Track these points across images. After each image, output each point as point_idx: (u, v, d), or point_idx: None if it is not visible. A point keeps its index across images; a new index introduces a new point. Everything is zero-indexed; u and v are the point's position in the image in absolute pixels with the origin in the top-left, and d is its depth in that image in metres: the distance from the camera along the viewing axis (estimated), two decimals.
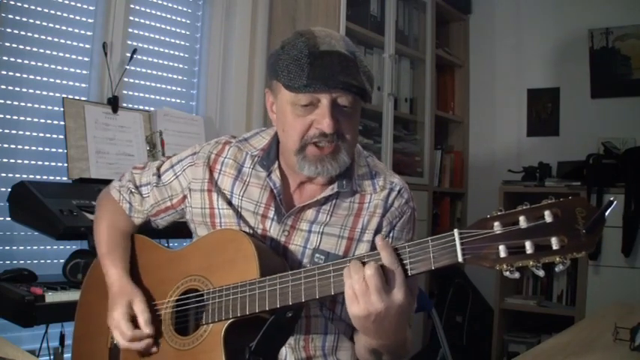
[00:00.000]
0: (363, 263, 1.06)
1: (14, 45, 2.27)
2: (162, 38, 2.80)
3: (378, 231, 1.33)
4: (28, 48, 2.30)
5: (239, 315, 1.19)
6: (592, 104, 3.84)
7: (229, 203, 1.38)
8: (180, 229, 1.51)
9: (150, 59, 2.74)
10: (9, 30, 2.25)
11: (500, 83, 4.22)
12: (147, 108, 2.58)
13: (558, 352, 1.50)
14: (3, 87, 2.24)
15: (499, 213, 0.99)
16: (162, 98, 2.79)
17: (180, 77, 2.90)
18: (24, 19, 2.29)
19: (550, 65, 4.02)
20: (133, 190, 1.47)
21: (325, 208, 1.34)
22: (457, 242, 1.00)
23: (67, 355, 2.05)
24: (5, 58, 2.24)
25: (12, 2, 2.26)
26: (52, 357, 2.10)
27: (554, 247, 0.92)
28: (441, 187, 4.02)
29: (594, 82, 3.83)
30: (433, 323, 2.14)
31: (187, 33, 2.93)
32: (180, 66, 2.90)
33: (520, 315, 3.79)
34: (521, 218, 0.96)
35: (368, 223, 1.34)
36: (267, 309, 1.16)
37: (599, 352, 1.50)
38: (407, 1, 3.69)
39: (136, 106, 2.60)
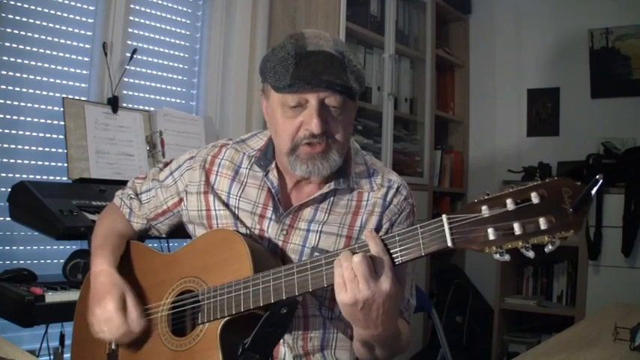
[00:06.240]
0: (354, 253, 1.08)
1: (14, 45, 2.27)
2: (162, 38, 2.80)
3: (377, 229, 1.33)
4: (28, 48, 2.30)
5: (234, 313, 1.19)
6: (592, 104, 3.84)
7: (226, 205, 1.38)
8: (182, 230, 1.52)
9: (150, 59, 2.74)
10: (9, 30, 2.25)
11: (500, 83, 4.22)
12: (147, 108, 2.58)
13: (558, 352, 1.49)
14: (3, 87, 2.24)
15: (486, 197, 0.99)
16: (162, 98, 2.79)
17: (180, 77, 2.90)
18: (24, 19, 2.29)
19: (550, 65, 4.02)
20: (133, 197, 1.51)
21: (323, 207, 1.34)
22: (446, 227, 1.01)
23: (67, 355, 2.05)
24: (5, 58, 2.24)
25: (12, 2, 2.25)
26: (52, 357, 2.10)
27: (543, 227, 0.93)
28: (441, 187, 4.02)
29: (594, 82, 3.83)
30: (433, 323, 2.14)
31: (187, 33, 2.93)
32: (180, 66, 2.90)
33: (520, 315, 3.79)
34: (509, 201, 0.96)
35: (367, 222, 1.34)
36: (261, 305, 1.16)
37: (599, 352, 1.50)
38: (407, 1, 3.69)
39: (136, 106, 2.60)
